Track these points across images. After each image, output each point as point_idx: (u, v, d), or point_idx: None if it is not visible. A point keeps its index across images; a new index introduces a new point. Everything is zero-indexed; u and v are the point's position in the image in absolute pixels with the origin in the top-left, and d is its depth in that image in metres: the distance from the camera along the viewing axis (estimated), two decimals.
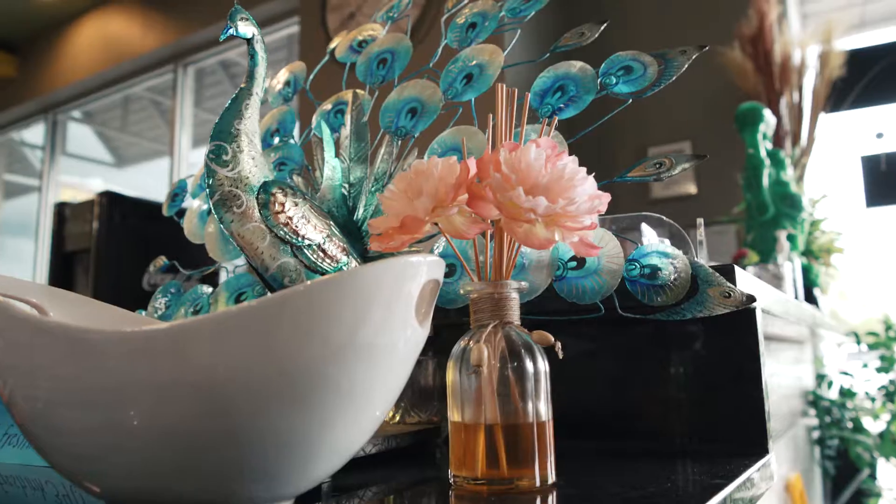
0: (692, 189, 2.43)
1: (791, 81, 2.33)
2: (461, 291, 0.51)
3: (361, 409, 0.40)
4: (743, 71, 2.30)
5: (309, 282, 0.37)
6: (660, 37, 2.57)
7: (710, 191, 2.41)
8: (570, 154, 0.50)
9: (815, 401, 1.56)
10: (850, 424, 1.66)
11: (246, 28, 0.59)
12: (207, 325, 0.36)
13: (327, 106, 0.78)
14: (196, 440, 0.37)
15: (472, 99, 0.69)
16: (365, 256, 0.66)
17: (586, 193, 0.46)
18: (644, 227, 0.68)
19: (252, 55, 0.60)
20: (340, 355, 0.37)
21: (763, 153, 1.93)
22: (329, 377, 0.37)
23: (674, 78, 0.62)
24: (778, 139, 2.29)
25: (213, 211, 0.54)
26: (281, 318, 0.36)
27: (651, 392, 0.67)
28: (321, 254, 0.59)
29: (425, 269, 0.43)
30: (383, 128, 0.71)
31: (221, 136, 0.55)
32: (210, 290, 0.77)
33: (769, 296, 0.77)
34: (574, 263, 0.57)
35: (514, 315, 0.50)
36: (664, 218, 0.65)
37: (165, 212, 0.88)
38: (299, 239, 0.57)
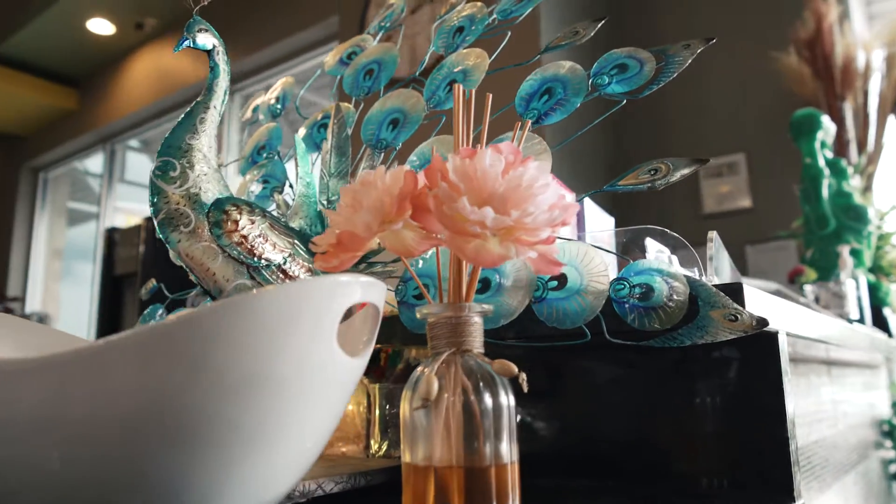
0: (747, 203, 2.30)
1: (855, 86, 2.19)
2: (418, 315, 0.45)
3: (273, 449, 0.35)
4: (800, 76, 2.18)
5: (198, 308, 0.32)
6: (713, 46, 2.46)
7: (767, 204, 2.27)
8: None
9: (891, 431, 1.43)
10: None
11: (206, 39, 0.56)
12: (85, 356, 0.32)
13: (313, 121, 0.74)
14: (77, 482, 0.32)
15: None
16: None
17: (546, 203, 0.40)
18: (648, 241, 0.61)
19: (212, 67, 0.56)
20: (239, 390, 0.33)
21: (821, 162, 1.81)
22: (226, 415, 0.33)
23: (675, 75, 0.56)
24: (841, 147, 2.15)
25: (158, 232, 0.50)
26: (166, 349, 0.32)
27: (674, 426, 0.59)
28: (281, 275, 0.55)
29: (356, 291, 0.38)
30: (364, 140, 0.66)
31: (170, 152, 0.51)
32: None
33: (802, 318, 0.68)
34: (555, 283, 0.51)
35: (475, 342, 0.44)
36: (668, 231, 0.58)
37: None
38: (255, 259, 0.53)
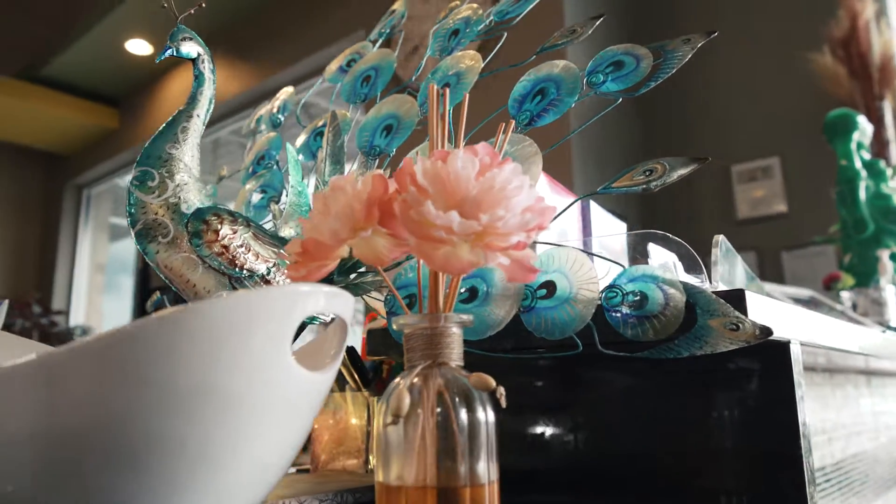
0: (782, 207, 2.23)
1: (894, 84, 2.11)
2: (394, 327, 0.43)
3: (225, 467, 0.33)
4: (835, 77, 2.10)
5: (139, 320, 0.31)
6: (739, 45, 2.40)
7: (803, 209, 2.20)
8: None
9: None
10: None
11: (190, 48, 0.55)
12: (21, 372, 0.31)
13: (312, 129, 0.73)
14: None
15: (450, 110, 0.62)
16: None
17: (520, 206, 0.38)
18: (651, 247, 0.58)
19: (196, 76, 0.56)
20: (185, 406, 0.31)
21: (858, 164, 1.74)
22: (171, 432, 0.31)
23: (674, 71, 0.53)
24: (880, 148, 2.07)
25: (135, 242, 0.49)
26: (105, 363, 0.30)
27: (685, 440, 0.56)
28: (265, 285, 0.53)
29: (313, 301, 0.36)
30: (359, 147, 0.65)
31: (149, 162, 0.50)
32: None
33: (821, 326, 0.64)
34: (544, 291, 0.49)
35: (454, 354, 0.42)
36: (670, 235, 0.55)
37: None
38: (237, 269, 0.51)
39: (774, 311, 0.51)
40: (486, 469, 0.40)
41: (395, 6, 0.81)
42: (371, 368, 0.81)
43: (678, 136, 2.50)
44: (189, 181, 0.52)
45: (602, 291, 0.48)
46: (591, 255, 0.47)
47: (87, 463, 0.30)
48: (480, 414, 0.41)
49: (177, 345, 0.30)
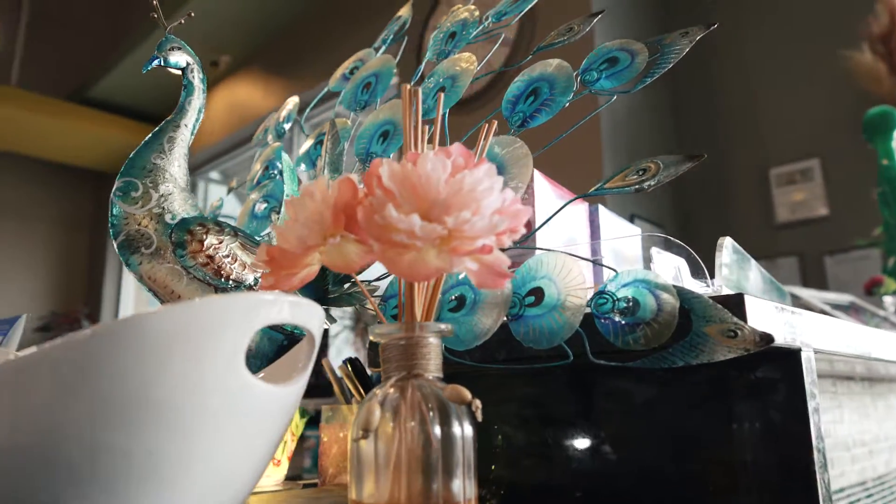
0: (823, 210, 2.15)
1: None
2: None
3: (174, 483, 0.32)
4: (875, 74, 2.02)
5: (76, 333, 0.30)
6: (775, 43, 2.33)
7: (845, 212, 2.11)
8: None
9: None
10: None
11: (179, 57, 0.55)
12: None
13: (315, 137, 0.73)
14: None
15: (446, 114, 0.60)
16: (325, 298, 0.59)
17: (490, 209, 0.36)
18: (655, 251, 0.56)
19: (185, 85, 0.55)
20: (127, 419, 0.30)
21: None
22: (114, 446, 0.30)
23: (671, 65, 0.51)
24: None
25: (119, 255, 0.49)
26: (43, 375, 0.29)
27: (697, 455, 0.53)
28: None
29: (283, 310, 0.35)
30: (356, 155, 0.64)
31: (133, 173, 0.50)
32: None
33: (850, 334, 0.61)
34: (532, 299, 0.46)
35: (431, 365, 0.40)
36: (672, 238, 0.53)
37: None
38: (222, 280, 0.51)
39: (781, 317, 0.48)
40: (463, 486, 0.38)
41: (401, 12, 0.80)
42: (378, 380, 0.80)
43: (712, 138, 2.44)
44: (174, 191, 0.51)
45: (592, 298, 0.45)
46: (596, 262, 0.45)
47: (31, 477, 0.30)
48: (456, 428, 0.39)
49: (114, 358, 0.29)
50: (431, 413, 0.39)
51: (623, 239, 0.71)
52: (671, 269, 0.56)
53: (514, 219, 0.37)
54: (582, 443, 0.58)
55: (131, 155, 0.51)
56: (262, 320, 0.34)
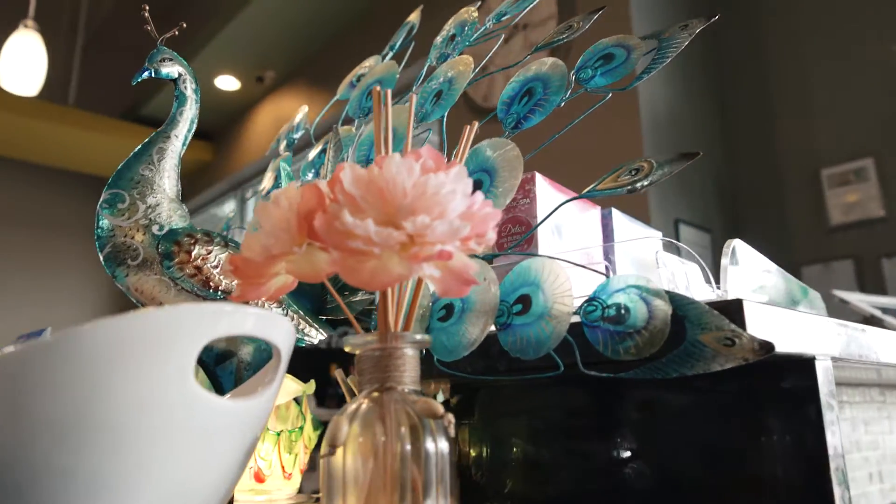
0: (879, 212, 2.04)
1: None
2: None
3: (127, 502, 0.31)
4: None
5: (11, 349, 0.29)
6: (827, 40, 2.24)
7: None
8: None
9: None
10: None
11: (171, 68, 0.55)
12: None
13: (322, 145, 0.72)
14: None
15: (444, 117, 0.59)
16: (323, 308, 0.58)
17: (454, 213, 0.35)
18: (660, 254, 0.53)
19: (177, 96, 0.55)
20: (70, 437, 0.29)
21: None
22: (56, 464, 0.29)
23: (669, 60, 0.48)
24: None
25: (105, 269, 0.49)
26: None
27: (711, 468, 0.50)
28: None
29: (246, 323, 0.34)
30: (357, 162, 0.63)
31: (121, 184, 0.50)
32: None
33: (870, 340, 0.56)
34: (520, 307, 0.44)
35: (406, 377, 0.39)
36: (674, 242, 0.50)
37: None
38: (211, 290, 0.50)
39: (790, 323, 0.45)
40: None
41: (410, 18, 0.79)
42: None
43: (762, 138, 2.36)
44: (163, 202, 0.51)
45: (582, 305, 0.43)
46: (586, 267, 0.43)
47: None
48: (430, 444, 0.37)
49: (51, 374, 0.28)
50: (403, 428, 0.37)
51: (632, 243, 0.68)
52: (680, 274, 0.53)
53: (481, 224, 0.35)
54: (595, 455, 0.55)
55: (119, 167, 0.50)
56: (217, 332, 0.33)
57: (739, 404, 0.49)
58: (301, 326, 0.55)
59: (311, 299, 0.58)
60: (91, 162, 4.89)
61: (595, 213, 0.67)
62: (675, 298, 0.41)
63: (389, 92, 0.40)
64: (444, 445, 0.38)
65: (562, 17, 2.50)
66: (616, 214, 0.68)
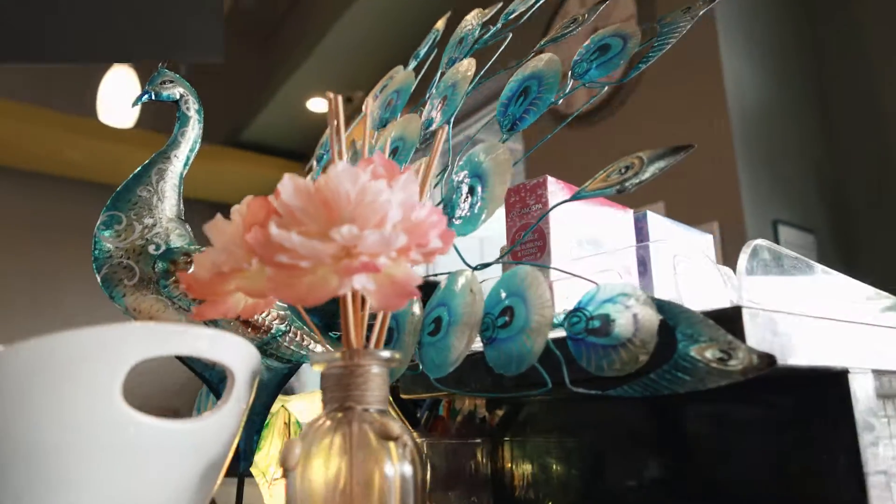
0: None
1: None
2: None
3: None
4: None
5: None
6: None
7: None
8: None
9: None
10: None
11: (172, 90, 0.56)
12: None
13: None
14: None
15: (450, 122, 0.56)
16: (334, 323, 0.57)
17: (392, 221, 0.32)
18: (678, 259, 0.48)
19: (179, 117, 0.56)
20: None
21: None
22: None
23: (669, 46, 0.44)
24: None
25: (103, 289, 0.49)
26: None
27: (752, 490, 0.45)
28: (242, 325, 0.51)
29: (199, 343, 0.33)
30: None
31: (118, 206, 0.51)
32: None
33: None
34: (505, 319, 0.41)
35: (370, 396, 0.37)
36: (686, 247, 0.45)
37: None
38: None
39: (785, 329, 0.39)
40: None
41: (438, 24, 0.77)
42: (427, 406, 0.76)
43: (869, 136, 2.18)
44: (161, 222, 0.51)
45: (566, 316, 0.40)
46: (574, 275, 0.40)
47: None
48: (388, 468, 0.35)
49: None
50: (363, 451, 0.35)
51: (676, 246, 0.63)
52: (700, 278, 0.49)
53: (421, 234, 0.33)
54: (633, 472, 0.51)
55: (118, 188, 0.51)
56: (149, 352, 0.32)
57: (783, 422, 0.44)
58: (305, 343, 0.54)
59: (319, 315, 0.57)
60: (193, 188, 5.17)
61: (627, 216, 0.62)
62: (664, 307, 0.37)
63: (340, 98, 0.39)
64: (406, 469, 0.35)
65: (641, 18, 2.42)
66: (652, 217, 0.63)
